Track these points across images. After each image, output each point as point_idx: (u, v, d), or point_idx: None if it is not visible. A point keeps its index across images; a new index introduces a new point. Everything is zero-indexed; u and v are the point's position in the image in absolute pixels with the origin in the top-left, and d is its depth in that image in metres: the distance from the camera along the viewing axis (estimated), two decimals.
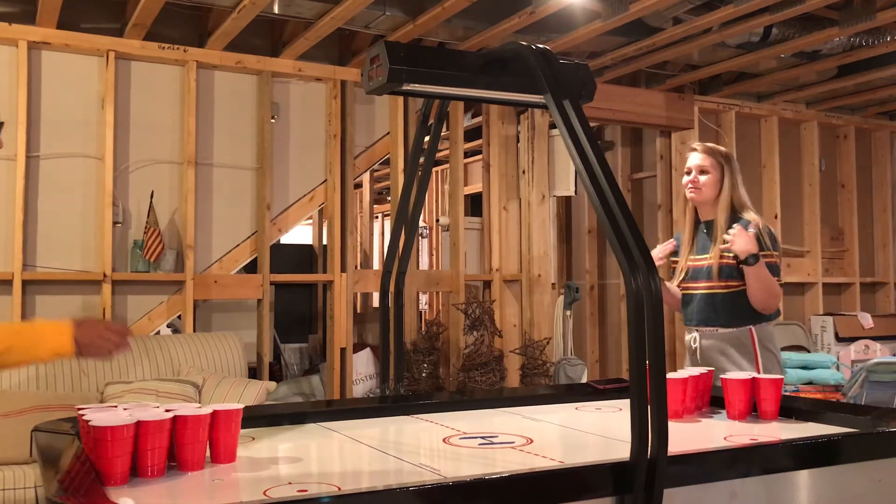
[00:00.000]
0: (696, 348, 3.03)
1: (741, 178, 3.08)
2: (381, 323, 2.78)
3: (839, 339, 6.00)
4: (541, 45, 2.04)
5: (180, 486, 1.63)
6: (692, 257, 3.08)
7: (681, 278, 3.10)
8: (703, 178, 3.03)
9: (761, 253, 2.87)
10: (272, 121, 4.86)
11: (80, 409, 1.79)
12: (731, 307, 2.95)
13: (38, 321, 2.22)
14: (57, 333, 1.87)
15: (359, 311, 7.45)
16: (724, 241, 2.87)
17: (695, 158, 3.07)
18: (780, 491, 1.83)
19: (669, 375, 2.24)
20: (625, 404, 2.46)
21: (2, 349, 1.81)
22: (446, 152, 5.72)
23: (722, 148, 3.12)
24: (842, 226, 6.65)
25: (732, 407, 2.35)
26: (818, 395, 5.03)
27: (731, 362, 2.93)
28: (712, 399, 2.50)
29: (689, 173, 3.07)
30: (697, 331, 3.04)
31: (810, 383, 5.26)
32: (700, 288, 3.02)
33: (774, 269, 2.92)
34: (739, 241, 2.83)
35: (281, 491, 1.57)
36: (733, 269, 2.93)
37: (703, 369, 2.48)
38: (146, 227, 4.39)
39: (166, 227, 4.57)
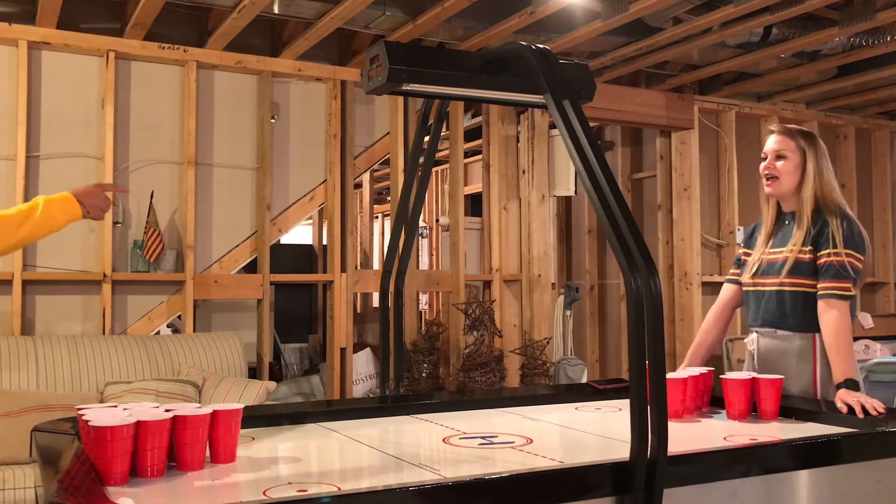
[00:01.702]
0: (752, 351, 2.71)
1: (829, 165, 2.66)
2: (381, 323, 2.78)
3: None
4: (541, 45, 2.04)
5: (180, 486, 1.63)
6: (768, 251, 2.71)
7: (752, 272, 2.72)
8: (780, 164, 2.64)
9: (827, 251, 2.52)
10: (272, 121, 4.86)
11: (80, 409, 1.79)
12: (802, 308, 2.58)
13: (42, 198, 2.48)
14: (66, 203, 2.42)
15: (359, 311, 7.45)
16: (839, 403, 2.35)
17: (771, 142, 2.68)
18: (780, 491, 1.83)
19: (669, 375, 2.24)
20: (625, 404, 2.47)
21: (22, 231, 2.32)
22: (446, 152, 5.72)
23: (804, 129, 2.72)
24: None
25: (732, 407, 2.35)
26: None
27: (790, 371, 2.57)
28: (712, 399, 2.50)
29: (764, 159, 2.69)
30: (758, 331, 2.70)
31: None
32: (767, 285, 2.65)
33: (842, 271, 2.50)
34: (850, 404, 2.29)
35: (281, 491, 1.57)
36: (805, 265, 2.58)
37: (704, 369, 2.48)
38: (146, 227, 4.39)
39: (166, 227, 4.57)
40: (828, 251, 2.54)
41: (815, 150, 2.64)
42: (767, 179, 2.67)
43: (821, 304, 2.53)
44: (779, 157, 2.65)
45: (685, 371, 2.43)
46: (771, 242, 2.72)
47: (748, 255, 2.80)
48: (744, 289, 2.78)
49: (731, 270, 2.90)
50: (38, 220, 2.38)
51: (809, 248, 2.58)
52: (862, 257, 2.55)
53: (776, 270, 2.64)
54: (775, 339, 2.64)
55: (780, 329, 2.62)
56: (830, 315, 2.50)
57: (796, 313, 2.59)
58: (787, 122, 6.31)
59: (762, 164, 2.70)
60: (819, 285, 2.55)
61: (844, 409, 2.25)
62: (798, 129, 2.70)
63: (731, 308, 2.86)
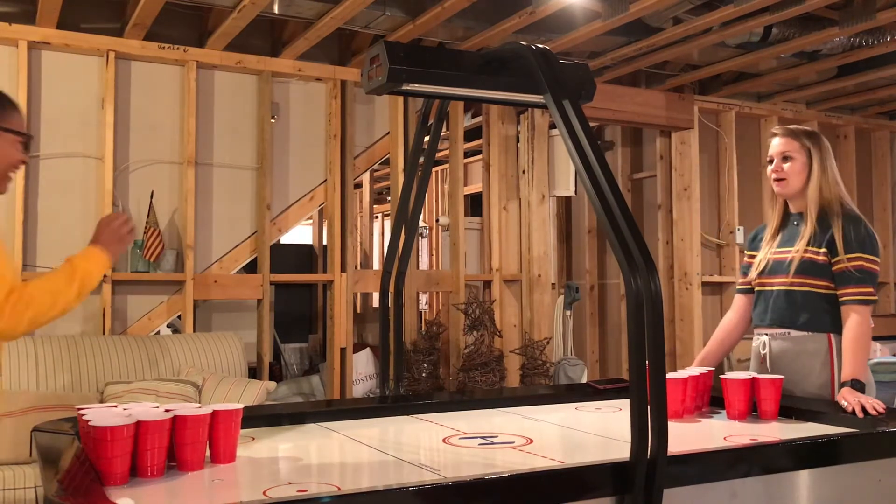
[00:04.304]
0: (765, 354, 2.67)
1: (833, 162, 2.67)
2: (381, 323, 2.78)
3: None
4: (541, 45, 2.05)
5: (180, 486, 1.63)
6: (775, 250, 2.71)
7: (759, 271, 2.72)
8: (787, 166, 2.65)
9: (846, 256, 2.52)
10: (272, 121, 4.86)
11: (79, 409, 1.80)
12: (812, 308, 2.58)
13: (75, 260, 2.30)
14: (96, 261, 2.28)
15: (359, 311, 7.45)
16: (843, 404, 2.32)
17: (776, 144, 2.70)
18: (780, 491, 1.83)
19: (669, 375, 2.24)
20: (625, 404, 2.46)
21: (71, 302, 2.13)
22: (446, 152, 5.72)
23: (807, 128, 2.74)
24: None
25: (732, 407, 2.35)
26: None
27: (805, 372, 2.57)
28: (712, 399, 2.50)
29: (771, 161, 2.71)
30: (768, 333, 2.68)
31: None
32: (776, 284, 2.65)
33: (862, 276, 2.51)
34: (850, 403, 2.28)
35: (281, 491, 1.57)
36: (816, 266, 2.57)
37: (704, 369, 2.48)
38: (146, 227, 4.39)
39: (166, 227, 4.57)
40: (845, 256, 2.53)
41: (819, 148, 2.65)
42: (777, 181, 2.69)
43: (844, 311, 2.53)
44: (785, 158, 2.66)
45: (685, 371, 2.43)
46: (778, 241, 2.72)
47: (753, 257, 2.79)
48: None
49: (741, 280, 2.88)
50: (83, 288, 2.20)
51: (824, 250, 2.57)
52: (877, 259, 2.57)
53: (784, 269, 2.63)
54: (788, 340, 2.63)
55: (792, 329, 2.61)
56: (853, 320, 2.50)
57: (806, 312, 2.58)
58: (787, 122, 6.33)
59: (769, 167, 2.71)
60: (840, 292, 2.55)
61: (850, 409, 2.25)
62: (801, 128, 2.71)
63: (747, 321, 2.84)
